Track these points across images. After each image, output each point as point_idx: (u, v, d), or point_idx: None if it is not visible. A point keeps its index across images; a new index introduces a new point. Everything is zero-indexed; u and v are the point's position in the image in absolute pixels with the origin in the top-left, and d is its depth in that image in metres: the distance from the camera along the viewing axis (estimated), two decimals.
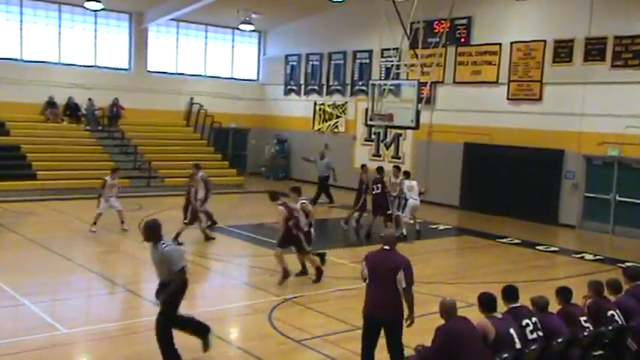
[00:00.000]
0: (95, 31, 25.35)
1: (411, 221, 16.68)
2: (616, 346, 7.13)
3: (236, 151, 28.93)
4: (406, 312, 6.86)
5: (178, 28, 27.45)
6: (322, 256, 12.10)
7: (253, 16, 25.74)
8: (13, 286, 10.31)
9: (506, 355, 6.05)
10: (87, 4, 22.83)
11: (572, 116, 18.89)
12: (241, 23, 26.22)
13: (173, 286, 7.18)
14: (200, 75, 28.18)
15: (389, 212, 16.00)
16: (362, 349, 6.94)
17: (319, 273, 11.51)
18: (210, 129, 26.90)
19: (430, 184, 19.23)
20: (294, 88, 28.18)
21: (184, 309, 9.67)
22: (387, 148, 24.21)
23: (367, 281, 6.90)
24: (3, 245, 13.85)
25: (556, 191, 19.36)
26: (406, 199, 16.59)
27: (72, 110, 24.36)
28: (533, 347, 6.34)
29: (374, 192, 16.10)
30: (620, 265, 13.14)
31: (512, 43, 20.24)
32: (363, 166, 18.06)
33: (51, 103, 23.90)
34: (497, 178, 20.55)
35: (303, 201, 11.70)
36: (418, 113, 16.28)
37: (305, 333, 8.82)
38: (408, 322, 6.88)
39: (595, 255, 15.26)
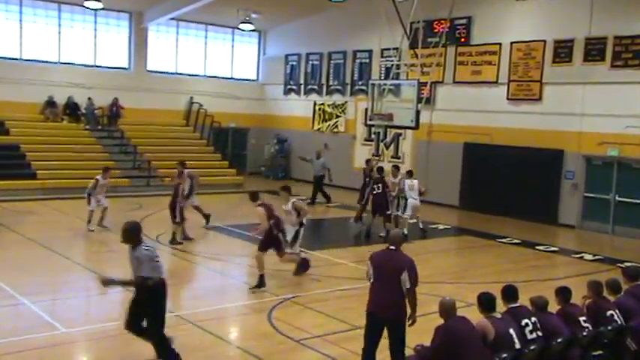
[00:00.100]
0: (95, 30, 25.34)
1: (413, 220, 16.60)
2: (615, 346, 7.13)
3: (236, 150, 28.94)
4: (408, 311, 6.86)
5: (178, 28, 27.45)
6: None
7: (253, 15, 25.74)
8: (13, 285, 10.31)
9: (505, 355, 6.06)
10: (87, 4, 22.84)
11: (572, 116, 18.88)
12: (241, 23, 26.22)
13: (124, 283, 7.12)
14: (200, 75, 28.17)
15: (388, 212, 16.00)
16: (363, 348, 6.94)
17: (300, 267, 11.45)
18: (209, 129, 26.89)
19: (430, 184, 19.23)
20: (293, 87, 28.18)
21: (184, 309, 9.69)
22: (387, 148, 24.21)
23: (372, 280, 6.90)
24: (3, 244, 13.85)
25: (556, 191, 19.36)
26: (406, 199, 16.59)
27: (71, 110, 24.35)
28: (532, 347, 6.35)
29: (374, 192, 16.09)
30: (619, 265, 13.15)
31: (512, 43, 20.23)
32: (367, 161, 18.17)
33: (50, 103, 23.89)
34: (497, 178, 20.55)
35: (294, 199, 11.71)
36: (418, 113, 16.28)
37: (304, 332, 8.82)
38: (410, 321, 6.89)
39: (594, 255, 15.26)
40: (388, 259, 6.89)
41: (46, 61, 24.31)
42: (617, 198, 18.23)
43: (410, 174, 17.04)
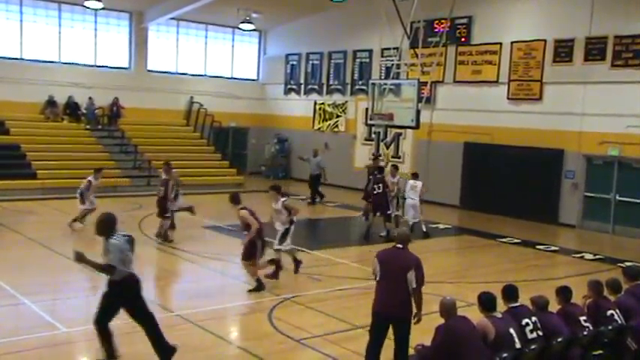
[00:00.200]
0: (95, 30, 25.34)
1: (415, 220, 16.53)
2: (616, 346, 7.13)
3: (236, 150, 28.93)
4: (414, 310, 6.87)
5: (178, 28, 27.44)
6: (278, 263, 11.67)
7: (253, 15, 25.74)
8: (13, 285, 10.31)
9: (505, 355, 6.05)
10: (87, 3, 22.84)
11: (572, 116, 18.88)
12: (241, 22, 26.22)
13: (94, 265, 7.05)
14: (200, 74, 28.17)
15: (388, 212, 15.99)
16: (368, 346, 6.93)
17: (277, 271, 11.39)
18: (210, 128, 26.89)
19: (430, 184, 19.20)
20: (294, 87, 28.18)
21: (184, 309, 9.68)
22: (387, 148, 24.20)
23: (378, 279, 6.90)
24: (3, 244, 13.86)
25: (556, 191, 19.36)
26: (404, 199, 16.56)
27: (72, 109, 24.36)
28: (533, 347, 6.35)
29: (375, 192, 16.06)
30: (619, 264, 13.14)
31: (512, 42, 20.23)
32: (375, 158, 18.16)
33: (51, 102, 23.90)
34: (497, 177, 20.55)
35: (284, 199, 11.70)
36: (418, 113, 16.30)
37: (305, 332, 8.81)
38: (415, 319, 6.90)
39: (595, 254, 15.25)
40: (395, 258, 6.89)
41: (47, 61, 24.30)
42: (617, 197, 18.23)
43: (415, 176, 16.94)
